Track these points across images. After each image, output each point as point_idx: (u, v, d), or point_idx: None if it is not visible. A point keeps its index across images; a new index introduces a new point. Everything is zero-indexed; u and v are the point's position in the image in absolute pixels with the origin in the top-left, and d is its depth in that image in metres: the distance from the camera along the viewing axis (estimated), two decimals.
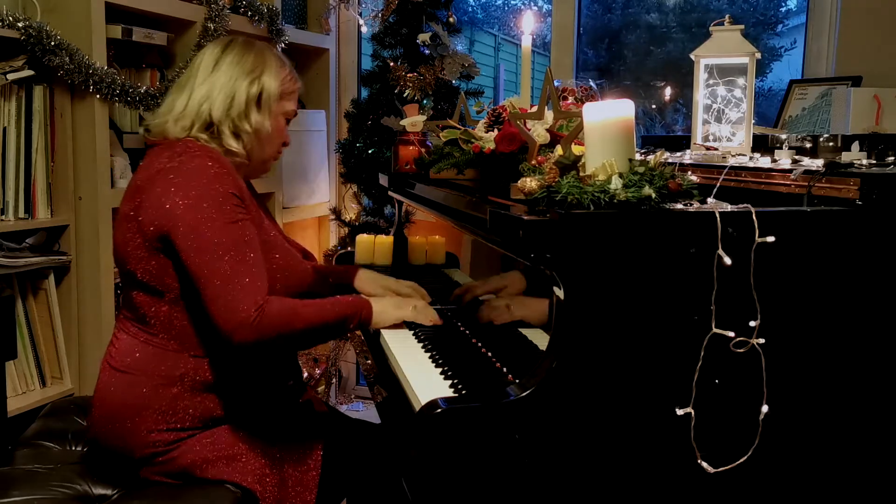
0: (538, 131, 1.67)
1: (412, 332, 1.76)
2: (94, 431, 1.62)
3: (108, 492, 1.57)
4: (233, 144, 1.63)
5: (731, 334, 1.23)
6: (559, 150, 1.47)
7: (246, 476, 1.56)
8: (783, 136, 1.84)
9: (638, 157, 1.31)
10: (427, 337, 1.71)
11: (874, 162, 1.52)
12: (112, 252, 2.15)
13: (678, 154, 1.85)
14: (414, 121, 2.29)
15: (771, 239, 1.22)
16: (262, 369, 1.66)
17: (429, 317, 1.75)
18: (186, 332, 1.56)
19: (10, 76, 2.00)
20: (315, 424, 1.72)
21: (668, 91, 3.16)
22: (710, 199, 1.32)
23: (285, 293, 1.62)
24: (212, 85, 1.64)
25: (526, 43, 2.01)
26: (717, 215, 1.21)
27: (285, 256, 1.70)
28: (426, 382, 1.43)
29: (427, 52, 2.95)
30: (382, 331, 1.78)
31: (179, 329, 1.56)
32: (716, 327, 1.23)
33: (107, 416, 1.58)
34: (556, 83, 1.89)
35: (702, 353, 1.23)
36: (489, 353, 1.56)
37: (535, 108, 1.77)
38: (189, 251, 1.47)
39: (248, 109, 1.64)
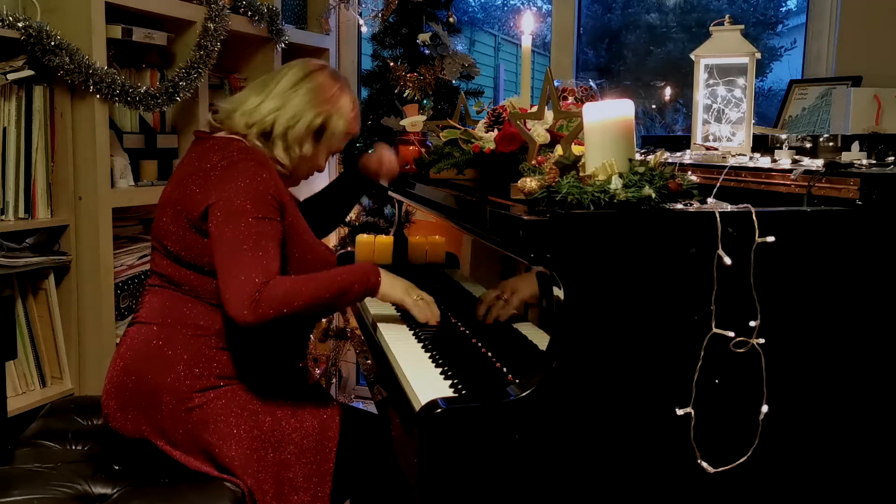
0: (538, 131, 1.67)
1: (412, 331, 1.76)
2: (114, 387, 1.65)
3: (109, 491, 1.57)
4: (281, 157, 1.77)
5: (731, 334, 1.23)
6: (559, 150, 1.47)
7: (263, 441, 1.61)
8: (783, 136, 1.84)
9: (638, 157, 1.31)
10: (427, 337, 1.71)
11: (874, 162, 1.52)
12: (104, 246, 2.19)
13: (678, 154, 1.85)
14: (414, 121, 2.29)
15: (771, 239, 1.22)
16: (278, 343, 1.74)
17: (426, 313, 1.74)
18: None
19: (10, 76, 2.00)
20: (330, 399, 1.77)
21: (668, 91, 3.16)
22: (710, 199, 1.32)
23: None
24: (285, 101, 1.77)
25: (526, 43, 2.01)
26: (717, 215, 1.21)
27: (322, 254, 1.82)
28: (426, 382, 1.43)
29: (427, 52, 2.94)
30: (382, 330, 1.78)
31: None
32: (716, 327, 1.23)
33: (137, 363, 1.64)
34: (556, 83, 1.89)
35: (702, 353, 1.23)
36: (489, 353, 1.56)
37: (535, 108, 1.77)
38: (217, 241, 1.57)
39: (304, 137, 1.78)
